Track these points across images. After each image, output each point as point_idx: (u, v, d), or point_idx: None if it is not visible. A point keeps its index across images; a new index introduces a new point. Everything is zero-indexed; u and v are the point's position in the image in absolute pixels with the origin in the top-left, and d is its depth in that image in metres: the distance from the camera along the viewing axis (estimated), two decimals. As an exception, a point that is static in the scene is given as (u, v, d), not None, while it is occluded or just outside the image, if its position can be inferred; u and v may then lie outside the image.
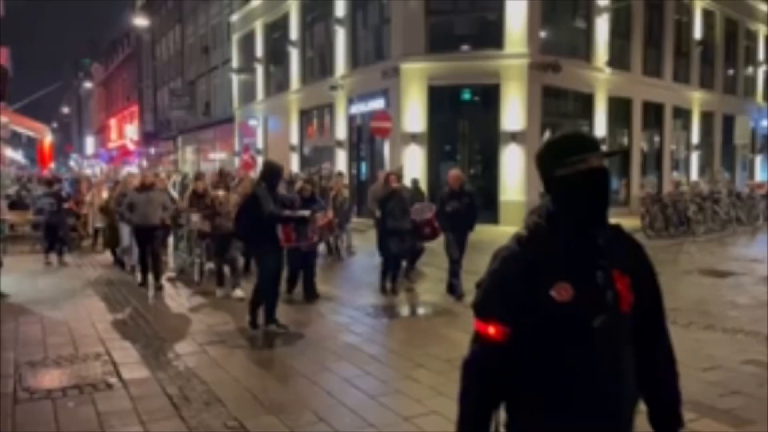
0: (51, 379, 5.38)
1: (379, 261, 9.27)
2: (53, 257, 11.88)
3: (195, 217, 9.49)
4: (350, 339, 6.65)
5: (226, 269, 8.98)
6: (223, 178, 9.92)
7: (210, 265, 9.61)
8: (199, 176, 10.85)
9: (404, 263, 9.58)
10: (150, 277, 9.40)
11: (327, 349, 6.19)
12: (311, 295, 8.38)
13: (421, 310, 8.11)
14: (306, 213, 6.88)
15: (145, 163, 39.93)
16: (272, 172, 6.89)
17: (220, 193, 9.15)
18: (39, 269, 11.21)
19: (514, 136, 16.77)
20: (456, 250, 8.41)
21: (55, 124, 68.25)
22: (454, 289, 8.45)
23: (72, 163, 66.43)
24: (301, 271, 8.33)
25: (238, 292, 8.49)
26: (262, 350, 6.29)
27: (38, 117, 32.41)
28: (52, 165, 27.21)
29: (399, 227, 8.72)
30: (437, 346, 6.33)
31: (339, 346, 6.39)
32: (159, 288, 9.16)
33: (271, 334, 6.73)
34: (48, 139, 23.70)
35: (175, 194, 11.83)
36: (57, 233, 12.07)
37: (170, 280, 9.91)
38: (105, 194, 13.05)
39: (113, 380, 5.30)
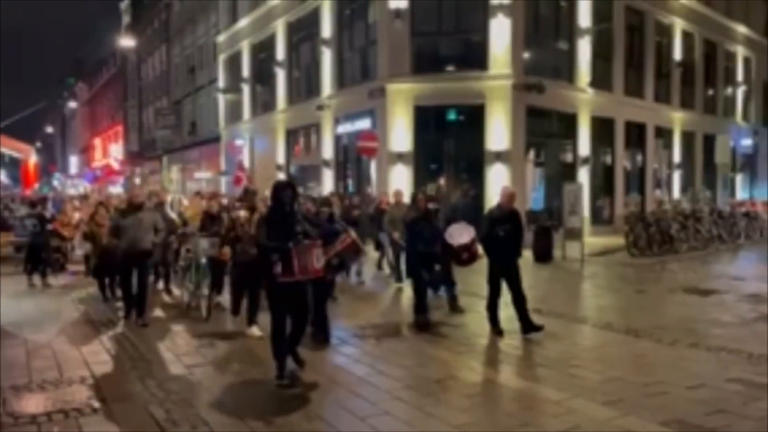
0: (36, 403, 5.30)
1: (368, 282, 9.25)
2: (37, 279, 11.74)
3: (205, 243, 8.47)
4: (338, 360, 6.63)
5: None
6: (249, 196, 8.43)
7: (220, 299, 8.84)
8: (212, 196, 9.93)
9: (442, 291, 8.96)
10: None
11: (315, 371, 6.16)
12: (317, 333, 7.13)
13: (408, 331, 8.08)
14: (288, 244, 5.57)
15: (138, 180, 38.87)
16: (274, 190, 5.95)
17: (242, 213, 7.77)
18: (22, 291, 11.06)
19: (498, 156, 16.94)
20: (497, 283, 7.50)
21: (38, 144, 67.76)
22: (529, 327, 7.42)
23: (56, 183, 65.92)
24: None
25: (255, 331, 7.47)
26: (248, 372, 6.24)
27: (21, 136, 32.23)
28: (36, 185, 26.98)
29: (430, 252, 7.95)
30: (425, 367, 6.33)
31: (327, 367, 6.37)
32: (144, 325, 8.03)
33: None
34: (32, 159, 23.54)
35: (173, 215, 10.82)
36: (40, 255, 11.95)
37: (166, 317, 8.72)
38: (77, 215, 12.41)
39: (98, 404, 5.23)
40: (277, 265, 5.53)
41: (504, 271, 7.44)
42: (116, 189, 40.29)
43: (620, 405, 5.17)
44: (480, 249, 7.76)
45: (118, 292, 9.32)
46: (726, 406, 5.14)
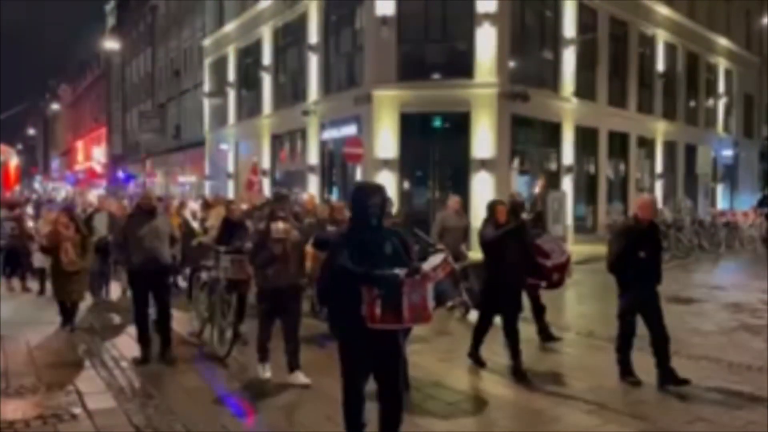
0: (13, 409, 5.21)
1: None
2: (16, 283, 11.57)
3: (226, 261, 6.96)
4: (327, 363, 6.59)
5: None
6: (284, 203, 6.36)
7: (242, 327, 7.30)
8: (231, 200, 8.46)
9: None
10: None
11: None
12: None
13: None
14: (397, 273, 3.88)
15: (155, 179, 34.55)
16: (355, 196, 4.20)
17: (281, 225, 5.95)
18: (0, 295, 10.87)
19: (484, 164, 17.01)
20: (633, 318, 5.98)
21: (20, 146, 66.94)
22: (624, 372, 5.94)
23: (36, 186, 65.17)
24: None
25: (300, 377, 5.92)
26: (233, 379, 6.19)
27: (2, 138, 31.89)
28: (16, 188, 26.62)
29: (519, 280, 6.38)
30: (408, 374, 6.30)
31: (311, 377, 6.31)
32: (170, 361, 6.60)
33: (245, 364, 6.59)
34: (14, 161, 23.22)
35: (195, 224, 9.79)
36: (19, 258, 11.77)
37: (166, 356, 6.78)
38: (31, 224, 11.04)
39: (78, 410, 5.16)
40: (375, 305, 3.83)
41: (640, 303, 5.92)
42: (98, 192, 39.84)
43: (602, 413, 5.20)
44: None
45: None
46: (706, 414, 5.18)
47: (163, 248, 6.75)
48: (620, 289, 5.97)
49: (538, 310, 7.45)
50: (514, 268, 6.22)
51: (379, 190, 4.18)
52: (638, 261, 5.74)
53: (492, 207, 6.52)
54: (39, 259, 10.54)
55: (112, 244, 7.49)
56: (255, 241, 6.20)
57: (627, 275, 5.84)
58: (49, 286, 9.62)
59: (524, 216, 6.68)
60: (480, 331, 6.54)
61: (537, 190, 9.32)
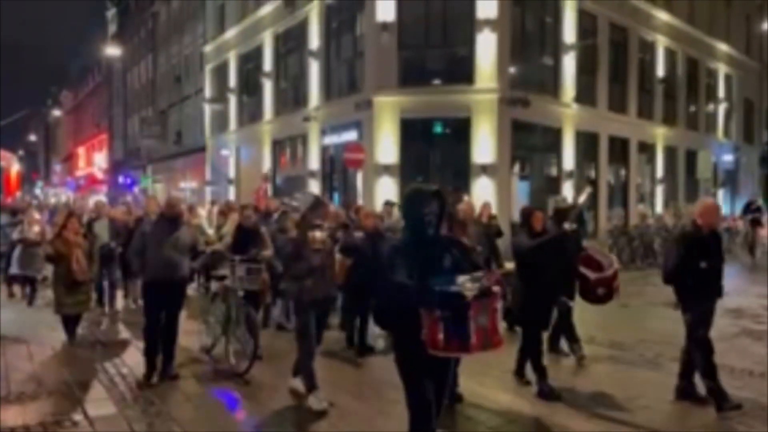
0: (14, 416, 5.21)
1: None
2: (17, 288, 11.57)
3: (241, 270, 6.58)
4: (333, 374, 6.58)
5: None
6: (321, 209, 5.87)
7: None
8: (244, 205, 8.00)
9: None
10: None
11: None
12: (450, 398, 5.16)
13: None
14: (460, 289, 3.25)
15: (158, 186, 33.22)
16: (408, 207, 3.70)
17: (318, 235, 5.55)
18: (2, 301, 10.87)
19: (484, 169, 17.04)
20: (707, 333, 5.45)
21: (21, 152, 67.13)
22: (720, 399, 5.23)
23: (37, 191, 65.30)
24: None
25: (296, 383, 5.77)
26: (234, 387, 6.18)
27: (3, 144, 31.99)
28: (18, 193, 26.65)
29: (550, 298, 5.95)
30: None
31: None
32: (173, 378, 6.24)
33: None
34: (15, 167, 23.27)
35: (210, 231, 9.49)
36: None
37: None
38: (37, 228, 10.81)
39: (78, 417, 5.16)
40: (437, 329, 3.23)
41: (701, 316, 5.41)
42: (97, 197, 39.90)
43: (603, 419, 5.19)
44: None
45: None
46: (708, 420, 5.18)
47: (181, 260, 6.27)
48: (682, 303, 5.48)
49: (561, 324, 7.06)
50: (551, 284, 5.71)
51: (437, 195, 3.61)
52: (699, 272, 5.24)
53: (527, 214, 5.98)
54: (32, 267, 10.56)
55: (129, 251, 6.91)
56: (289, 251, 5.67)
57: (687, 287, 5.33)
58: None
59: (566, 226, 5.99)
60: (532, 354, 5.92)
61: (581, 199, 8.71)
